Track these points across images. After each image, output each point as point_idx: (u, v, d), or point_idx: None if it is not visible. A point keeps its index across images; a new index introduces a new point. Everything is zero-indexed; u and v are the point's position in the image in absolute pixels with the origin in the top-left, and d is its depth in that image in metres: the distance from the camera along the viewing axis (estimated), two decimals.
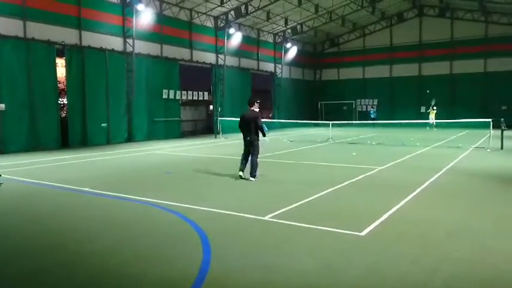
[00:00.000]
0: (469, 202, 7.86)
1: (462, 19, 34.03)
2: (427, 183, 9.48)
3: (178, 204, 7.55)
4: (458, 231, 5.99)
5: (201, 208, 7.32)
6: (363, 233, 5.78)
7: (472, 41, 33.78)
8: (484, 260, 4.83)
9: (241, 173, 10.18)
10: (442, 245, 5.41)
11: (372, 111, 35.07)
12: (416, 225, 6.22)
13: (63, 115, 21.05)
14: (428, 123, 27.97)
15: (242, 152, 10.44)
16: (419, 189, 8.74)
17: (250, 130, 10.08)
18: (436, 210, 7.18)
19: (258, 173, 10.06)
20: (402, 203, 7.55)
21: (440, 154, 15.27)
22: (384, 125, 31.46)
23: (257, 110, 10.38)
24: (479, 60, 33.72)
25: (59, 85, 20.29)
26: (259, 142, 10.28)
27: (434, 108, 29.47)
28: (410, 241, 5.52)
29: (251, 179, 9.94)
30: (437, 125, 27.78)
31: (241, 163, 10.34)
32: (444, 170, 11.43)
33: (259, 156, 10.32)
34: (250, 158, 10.15)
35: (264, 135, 10.36)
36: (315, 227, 6.11)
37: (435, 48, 35.43)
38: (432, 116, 29.05)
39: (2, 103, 16.65)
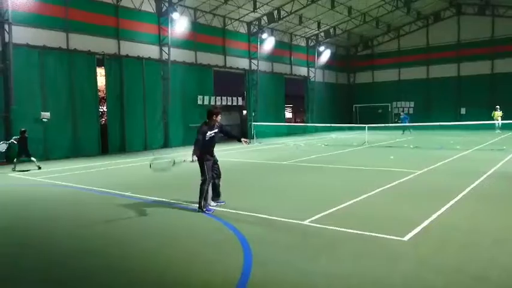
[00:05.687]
0: None
1: (503, 16, 32.71)
2: (469, 188, 9.15)
3: (218, 209, 7.65)
4: (504, 237, 5.76)
5: (241, 213, 7.39)
6: (405, 238, 5.67)
7: None
8: None
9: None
10: (489, 251, 5.23)
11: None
12: (459, 231, 6.03)
13: (103, 122, 21.78)
14: (495, 125, 26.34)
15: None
16: (461, 195, 8.45)
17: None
18: (479, 216, 6.94)
19: (210, 201, 7.76)
20: (444, 208, 7.32)
21: (483, 158, 14.71)
22: (420, 128, 30.59)
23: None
24: None
25: (99, 93, 21.07)
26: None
27: (497, 108, 27.52)
28: (454, 248, 5.36)
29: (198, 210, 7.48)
30: (502, 126, 26.12)
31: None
32: (487, 174, 11.00)
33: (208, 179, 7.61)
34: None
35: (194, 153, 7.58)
36: (355, 231, 6.04)
37: (475, 47, 34.22)
38: (498, 117, 26.97)
39: (47, 112, 17.50)
